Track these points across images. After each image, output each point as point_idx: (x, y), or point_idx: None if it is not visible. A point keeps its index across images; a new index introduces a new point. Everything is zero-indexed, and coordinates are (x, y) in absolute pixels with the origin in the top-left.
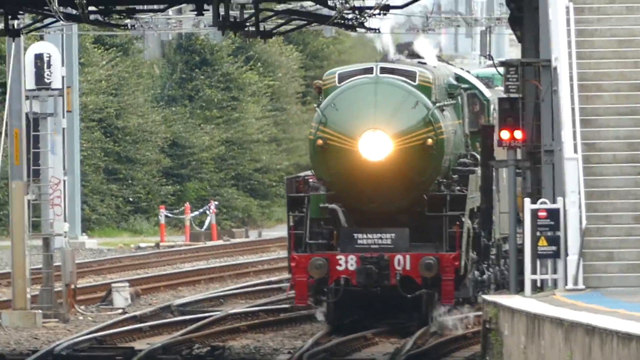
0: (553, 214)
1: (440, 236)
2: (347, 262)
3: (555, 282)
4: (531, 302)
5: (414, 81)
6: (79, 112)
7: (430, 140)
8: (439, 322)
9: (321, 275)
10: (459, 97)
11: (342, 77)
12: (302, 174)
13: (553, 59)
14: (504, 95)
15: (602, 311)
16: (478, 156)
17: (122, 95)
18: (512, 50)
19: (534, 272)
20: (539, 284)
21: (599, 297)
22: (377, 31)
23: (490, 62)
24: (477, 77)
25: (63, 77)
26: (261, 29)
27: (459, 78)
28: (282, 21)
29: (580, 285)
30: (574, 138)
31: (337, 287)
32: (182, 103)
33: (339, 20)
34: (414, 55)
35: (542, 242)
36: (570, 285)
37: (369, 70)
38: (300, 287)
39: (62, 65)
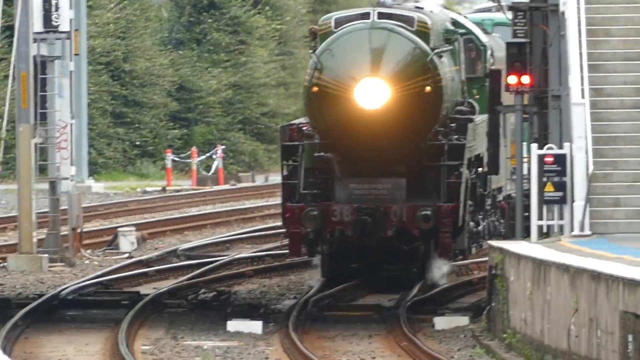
0: (560, 160)
1: (438, 187)
2: (342, 213)
3: (561, 228)
4: (537, 248)
5: (412, 27)
6: (86, 55)
7: (428, 88)
8: (435, 276)
9: (316, 226)
10: (456, 43)
11: (339, 22)
12: (296, 121)
13: (561, 3)
14: (499, 40)
15: (608, 257)
16: (475, 104)
17: (129, 39)
18: None
19: (540, 217)
20: (545, 230)
21: (605, 243)
22: None
23: (481, 5)
24: None
25: (71, 20)
26: None
27: (455, 23)
28: None
29: (587, 232)
30: (582, 83)
31: (331, 239)
32: (189, 47)
33: None
34: None
35: (549, 187)
36: (576, 232)
37: (365, 16)
38: (293, 238)
39: (70, 7)
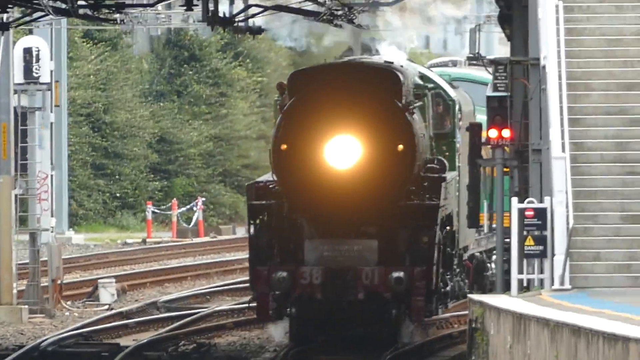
0: (540, 213)
1: (410, 249)
2: (312, 276)
3: (541, 281)
4: (517, 302)
5: (384, 82)
6: (67, 107)
7: (401, 146)
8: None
9: (285, 289)
10: (425, 98)
11: (308, 78)
12: (263, 177)
13: (542, 57)
14: (465, 94)
15: (588, 311)
16: (445, 161)
17: (110, 90)
18: (501, 48)
19: (520, 271)
20: (525, 284)
21: (585, 297)
22: (367, 28)
23: (436, 60)
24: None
25: (51, 72)
26: (250, 24)
27: (423, 77)
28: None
29: (567, 285)
30: (562, 137)
31: (300, 302)
32: (170, 98)
33: (329, 17)
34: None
35: (529, 241)
36: (556, 285)
37: (336, 71)
38: (261, 301)
39: (51, 59)
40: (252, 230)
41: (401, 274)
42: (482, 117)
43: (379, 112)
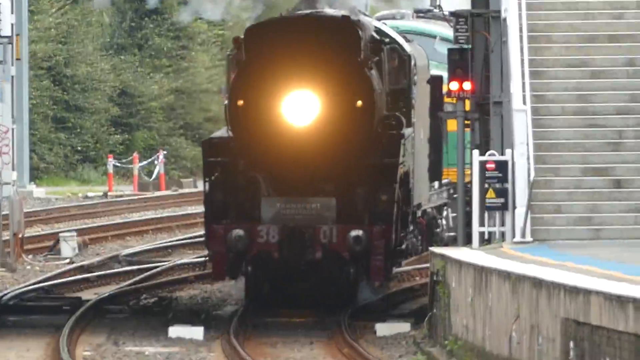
0: (501, 166)
1: (369, 207)
2: (269, 234)
3: (503, 234)
4: (479, 255)
5: (343, 36)
6: (28, 60)
7: (359, 102)
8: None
9: (241, 248)
10: (381, 53)
11: (265, 31)
12: (217, 134)
13: (503, 10)
14: (420, 49)
15: (549, 264)
16: (402, 117)
17: (71, 44)
18: (462, 2)
19: (482, 224)
20: (487, 237)
21: (547, 249)
22: None
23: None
24: None
25: (12, 25)
26: None
27: (378, 31)
28: None
29: (528, 238)
30: (523, 89)
31: (256, 260)
32: (131, 52)
33: None
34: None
35: (491, 194)
36: (518, 238)
37: (293, 25)
38: (217, 260)
39: (12, 12)
40: (207, 187)
41: (360, 232)
42: (435, 72)
43: (338, 67)
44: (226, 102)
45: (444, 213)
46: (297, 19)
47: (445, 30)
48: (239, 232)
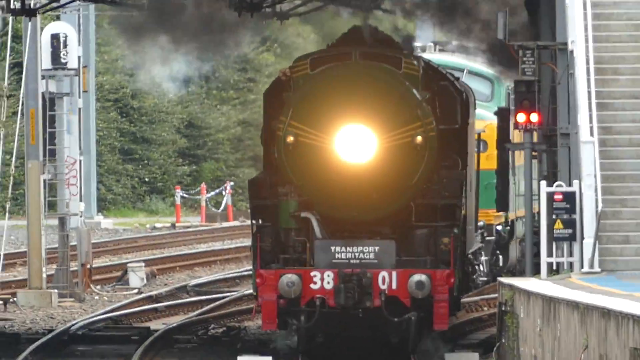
0: (569, 197)
1: (430, 250)
2: (324, 280)
3: (571, 265)
4: (547, 285)
5: (399, 69)
6: (95, 92)
7: (419, 138)
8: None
9: (294, 294)
10: (435, 90)
11: (315, 63)
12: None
13: (569, 42)
14: (466, 86)
15: (617, 294)
16: (458, 157)
17: (138, 75)
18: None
19: (550, 254)
20: (554, 267)
21: (615, 280)
22: (392, 13)
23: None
24: None
25: (79, 57)
26: (278, 10)
27: (430, 67)
28: (299, 2)
29: (596, 268)
30: (590, 121)
31: (311, 309)
32: (198, 84)
33: (356, 1)
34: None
35: (558, 224)
36: (586, 268)
37: (346, 56)
38: (268, 308)
39: (79, 44)
40: (254, 230)
41: (423, 277)
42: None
43: (396, 100)
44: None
45: (480, 258)
46: (350, 52)
47: (470, 63)
48: (291, 277)
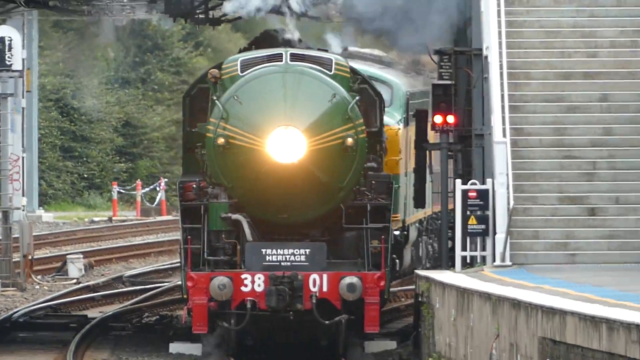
0: (482, 194)
1: (360, 252)
2: (254, 282)
3: (483, 258)
4: (461, 277)
5: (330, 70)
6: (37, 93)
7: (350, 140)
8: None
9: (224, 297)
10: (360, 93)
11: (246, 65)
12: (186, 179)
13: (484, 48)
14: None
15: (527, 286)
16: (380, 159)
17: (78, 77)
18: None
19: (464, 249)
20: (468, 261)
21: (525, 273)
22: (318, 20)
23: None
24: None
25: (23, 60)
26: (210, 16)
27: (353, 70)
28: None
29: (507, 262)
30: (503, 123)
31: (240, 312)
32: (134, 85)
33: (284, 9)
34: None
35: (472, 220)
36: (498, 262)
37: (277, 57)
38: (199, 311)
39: (23, 48)
40: (183, 233)
41: (354, 279)
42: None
43: (325, 103)
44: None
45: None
46: (280, 54)
47: (369, 68)
48: (222, 279)
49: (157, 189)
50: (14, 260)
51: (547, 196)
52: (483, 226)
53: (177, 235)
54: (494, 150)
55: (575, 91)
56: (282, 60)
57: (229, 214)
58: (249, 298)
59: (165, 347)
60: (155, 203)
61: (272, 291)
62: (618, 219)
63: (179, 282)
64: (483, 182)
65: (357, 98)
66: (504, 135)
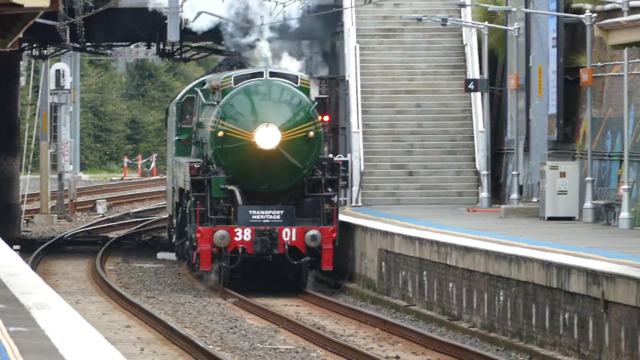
0: (345, 163)
1: (318, 213)
2: (244, 234)
3: (345, 201)
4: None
5: (296, 83)
6: (79, 103)
7: (312, 133)
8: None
9: (224, 244)
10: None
11: (237, 80)
12: (183, 160)
13: (347, 75)
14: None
15: (371, 218)
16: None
17: (103, 93)
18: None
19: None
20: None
21: (370, 210)
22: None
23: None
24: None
25: (71, 83)
26: (183, 56)
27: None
28: (195, 52)
29: (360, 204)
30: (357, 120)
31: (234, 255)
32: (137, 98)
33: (229, 54)
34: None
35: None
36: (354, 204)
37: (259, 74)
38: (205, 254)
39: (70, 75)
40: (193, 199)
41: (316, 232)
42: None
43: (295, 106)
44: (170, 137)
45: None
46: (262, 72)
47: None
48: (222, 232)
49: (151, 160)
50: (65, 202)
51: (384, 164)
52: (346, 182)
53: (163, 187)
54: (352, 137)
55: (401, 101)
56: (263, 77)
57: (226, 186)
58: (240, 245)
59: (154, 255)
60: (150, 168)
61: (257, 240)
62: (426, 177)
63: (164, 216)
64: (346, 156)
65: (316, 103)
66: (358, 128)
